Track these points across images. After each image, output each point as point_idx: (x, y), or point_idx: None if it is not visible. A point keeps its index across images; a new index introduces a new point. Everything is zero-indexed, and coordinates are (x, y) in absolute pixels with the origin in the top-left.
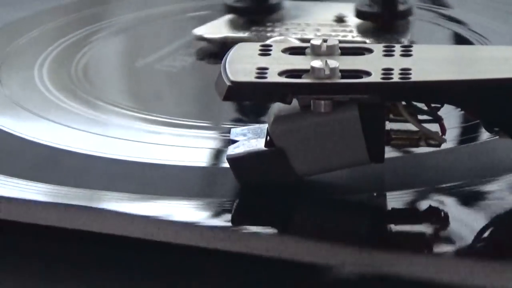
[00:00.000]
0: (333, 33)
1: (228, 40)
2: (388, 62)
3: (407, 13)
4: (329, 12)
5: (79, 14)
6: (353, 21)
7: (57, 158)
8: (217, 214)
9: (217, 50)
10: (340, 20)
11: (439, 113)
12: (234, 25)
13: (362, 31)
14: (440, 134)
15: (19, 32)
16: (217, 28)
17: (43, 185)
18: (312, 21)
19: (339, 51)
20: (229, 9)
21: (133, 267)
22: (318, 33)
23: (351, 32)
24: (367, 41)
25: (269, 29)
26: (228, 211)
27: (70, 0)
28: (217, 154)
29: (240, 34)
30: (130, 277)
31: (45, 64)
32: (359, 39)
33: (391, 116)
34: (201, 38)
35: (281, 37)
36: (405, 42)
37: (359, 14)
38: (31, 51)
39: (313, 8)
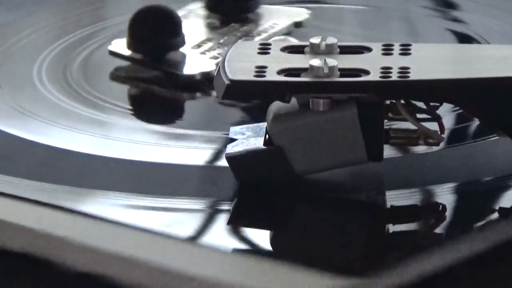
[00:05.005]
0: None
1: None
2: (387, 61)
3: (254, 6)
4: None
5: (78, 14)
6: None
7: (57, 158)
8: (216, 213)
9: None
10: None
11: (438, 111)
12: None
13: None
14: (439, 132)
15: (18, 33)
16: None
17: (43, 184)
18: None
19: (338, 49)
20: None
21: None
22: None
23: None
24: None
25: None
26: (227, 210)
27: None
28: (216, 153)
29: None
30: None
31: (44, 64)
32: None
33: (390, 114)
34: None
35: (281, 37)
36: (259, 28)
37: (208, 8)
38: (30, 52)
39: None
